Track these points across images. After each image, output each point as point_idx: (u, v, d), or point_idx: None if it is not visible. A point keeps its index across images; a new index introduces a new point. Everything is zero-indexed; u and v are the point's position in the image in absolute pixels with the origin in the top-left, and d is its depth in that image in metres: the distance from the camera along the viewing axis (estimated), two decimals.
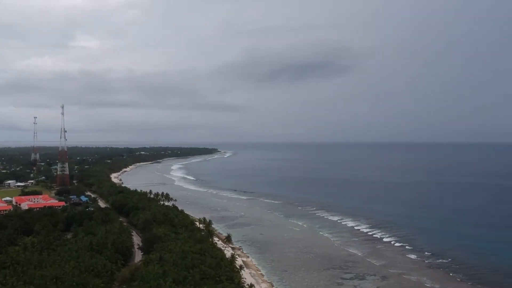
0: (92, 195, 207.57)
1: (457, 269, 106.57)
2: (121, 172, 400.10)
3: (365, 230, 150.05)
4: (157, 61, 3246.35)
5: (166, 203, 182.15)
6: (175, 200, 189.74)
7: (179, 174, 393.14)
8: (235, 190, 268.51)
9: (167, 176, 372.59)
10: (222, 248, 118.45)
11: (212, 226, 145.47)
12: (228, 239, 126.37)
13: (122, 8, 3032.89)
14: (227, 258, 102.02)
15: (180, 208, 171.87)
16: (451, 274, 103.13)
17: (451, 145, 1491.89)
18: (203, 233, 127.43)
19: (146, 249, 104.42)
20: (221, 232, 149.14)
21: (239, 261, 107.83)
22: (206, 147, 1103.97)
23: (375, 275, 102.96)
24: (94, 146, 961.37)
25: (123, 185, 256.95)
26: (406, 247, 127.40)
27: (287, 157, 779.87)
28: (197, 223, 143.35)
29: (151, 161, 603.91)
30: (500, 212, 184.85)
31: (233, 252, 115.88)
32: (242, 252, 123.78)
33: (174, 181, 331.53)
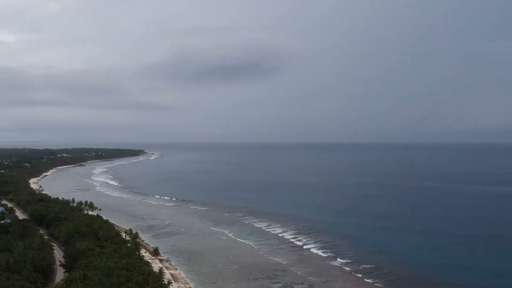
0: (9, 205, 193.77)
1: (378, 274, 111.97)
2: (41, 176, 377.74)
3: (292, 237, 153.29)
4: (80, 58, 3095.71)
5: (90, 212, 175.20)
6: (100, 210, 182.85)
7: (102, 178, 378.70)
8: (162, 196, 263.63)
9: (89, 181, 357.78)
10: (150, 261, 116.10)
11: (139, 237, 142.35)
12: (155, 252, 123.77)
13: (40, 1, 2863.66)
14: (155, 273, 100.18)
15: (104, 217, 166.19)
16: (371, 280, 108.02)
17: (374, 145, 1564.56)
18: (129, 245, 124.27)
19: (68, 266, 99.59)
20: (148, 242, 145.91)
21: (167, 275, 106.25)
22: (132, 148, 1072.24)
23: (302, 283, 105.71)
24: (11, 147, 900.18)
25: (43, 192, 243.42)
26: (331, 254, 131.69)
27: (217, 159, 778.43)
28: (123, 234, 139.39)
29: (73, 164, 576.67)
30: (421, 216, 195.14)
31: (161, 266, 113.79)
32: (170, 264, 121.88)
33: (97, 186, 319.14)
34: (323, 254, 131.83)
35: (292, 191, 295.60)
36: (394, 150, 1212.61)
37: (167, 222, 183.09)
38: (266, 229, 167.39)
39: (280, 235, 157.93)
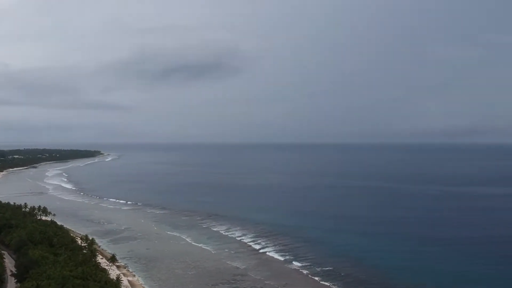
0: None
1: (336, 277, 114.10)
2: None
3: (251, 241, 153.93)
4: (37, 56, 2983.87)
5: (44, 218, 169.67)
6: (54, 215, 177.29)
7: (56, 181, 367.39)
8: (118, 199, 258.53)
9: (42, 184, 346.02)
10: (107, 268, 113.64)
11: (96, 242, 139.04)
12: (112, 259, 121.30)
13: None
14: (112, 280, 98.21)
15: (59, 222, 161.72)
16: (328, 283, 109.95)
17: (332, 146, 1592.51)
18: (85, 252, 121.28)
19: (20, 276, 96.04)
20: (105, 248, 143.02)
21: (125, 282, 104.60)
22: (90, 148, 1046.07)
23: None
24: None
25: None
26: (289, 257, 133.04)
27: (176, 160, 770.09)
28: (79, 240, 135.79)
29: (26, 166, 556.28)
30: (379, 217, 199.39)
31: (118, 272, 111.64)
32: (128, 270, 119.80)
33: (50, 190, 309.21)
34: (282, 258, 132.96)
35: (252, 193, 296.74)
36: (348, 150, 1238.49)
37: (124, 227, 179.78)
38: (225, 233, 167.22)
39: (239, 238, 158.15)
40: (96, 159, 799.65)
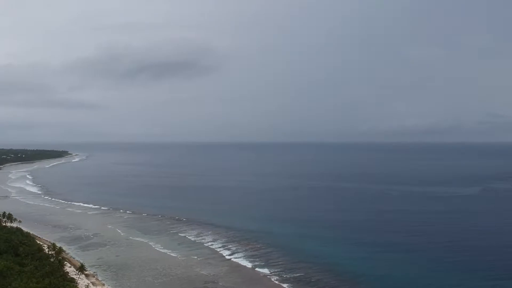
0: None
1: (307, 283, 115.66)
2: None
3: (222, 247, 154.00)
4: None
5: (9, 225, 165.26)
6: (20, 221, 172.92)
7: (21, 184, 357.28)
8: (87, 203, 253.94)
9: (5, 187, 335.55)
10: (76, 278, 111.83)
11: (64, 250, 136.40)
12: (81, 268, 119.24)
13: None
14: None
15: (25, 229, 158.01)
16: None
17: (306, 145, 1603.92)
18: (52, 260, 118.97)
19: None
20: (73, 256, 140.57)
21: None
22: (57, 148, 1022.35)
23: None
24: None
25: None
26: (260, 263, 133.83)
27: (147, 160, 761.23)
28: (46, 248, 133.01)
29: None
30: (352, 221, 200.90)
31: (87, 282, 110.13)
32: (97, 279, 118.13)
33: (13, 193, 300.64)
34: (252, 264, 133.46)
35: (223, 195, 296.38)
36: (324, 150, 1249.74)
37: (92, 233, 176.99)
38: (196, 239, 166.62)
39: (211, 244, 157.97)
40: (63, 160, 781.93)
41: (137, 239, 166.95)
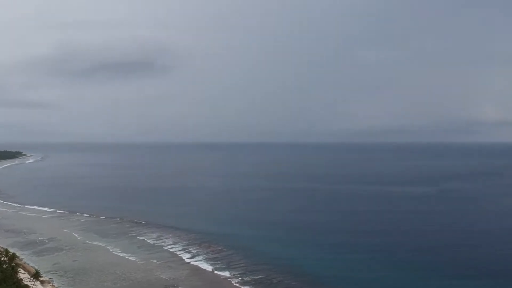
0: None
1: (268, 285, 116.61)
2: None
3: (183, 250, 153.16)
4: None
5: None
6: None
7: None
8: (42, 206, 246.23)
9: None
10: (30, 284, 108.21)
11: (17, 256, 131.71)
12: (36, 275, 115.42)
13: None
14: None
15: None
16: None
17: (266, 145, 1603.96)
18: (5, 267, 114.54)
19: None
20: (28, 262, 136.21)
21: None
22: (11, 149, 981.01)
23: None
24: None
25: None
26: (221, 266, 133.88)
27: (106, 161, 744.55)
28: None
29: None
30: (318, 223, 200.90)
31: None
32: (53, 285, 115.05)
33: None
34: (213, 267, 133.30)
35: (188, 197, 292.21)
36: (284, 150, 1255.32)
37: (47, 237, 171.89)
38: (156, 242, 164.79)
39: (171, 247, 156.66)
40: (16, 161, 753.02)
41: (94, 243, 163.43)
